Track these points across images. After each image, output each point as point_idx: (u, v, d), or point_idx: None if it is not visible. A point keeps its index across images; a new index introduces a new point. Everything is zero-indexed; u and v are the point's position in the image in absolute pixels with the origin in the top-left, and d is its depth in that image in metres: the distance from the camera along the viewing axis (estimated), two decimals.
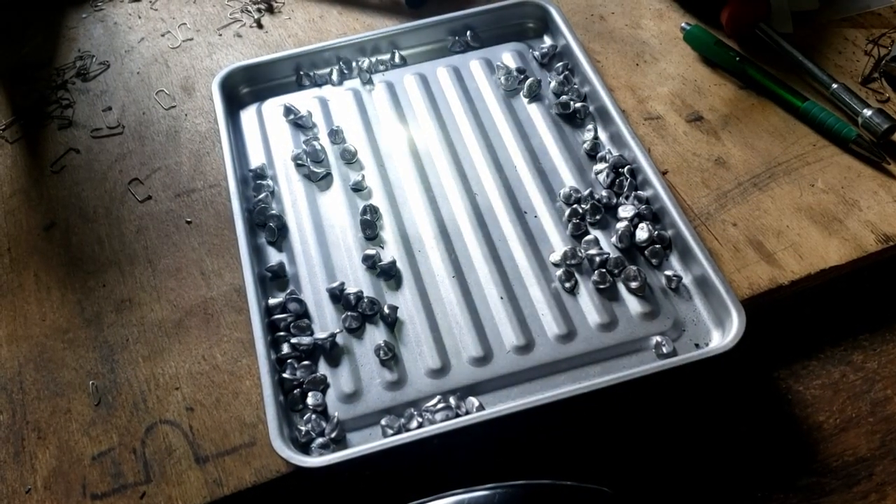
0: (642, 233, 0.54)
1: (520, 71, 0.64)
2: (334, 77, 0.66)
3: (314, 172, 0.59)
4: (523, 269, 0.54)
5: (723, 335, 0.49)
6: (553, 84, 0.63)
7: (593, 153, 0.60)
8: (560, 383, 0.48)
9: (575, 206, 0.56)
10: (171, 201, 0.60)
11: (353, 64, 0.66)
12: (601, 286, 0.52)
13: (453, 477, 0.43)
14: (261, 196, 0.58)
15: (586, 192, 0.56)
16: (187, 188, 0.61)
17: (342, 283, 0.53)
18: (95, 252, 0.57)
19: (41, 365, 0.52)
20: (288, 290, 0.53)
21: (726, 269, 0.52)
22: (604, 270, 0.52)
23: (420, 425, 0.47)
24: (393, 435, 0.46)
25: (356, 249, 0.55)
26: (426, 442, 0.44)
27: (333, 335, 0.51)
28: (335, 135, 0.62)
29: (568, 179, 0.58)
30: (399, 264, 0.54)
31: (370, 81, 0.66)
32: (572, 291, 0.52)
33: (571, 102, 0.62)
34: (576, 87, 0.63)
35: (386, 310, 0.52)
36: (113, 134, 0.65)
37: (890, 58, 0.63)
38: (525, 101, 0.63)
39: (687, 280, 0.52)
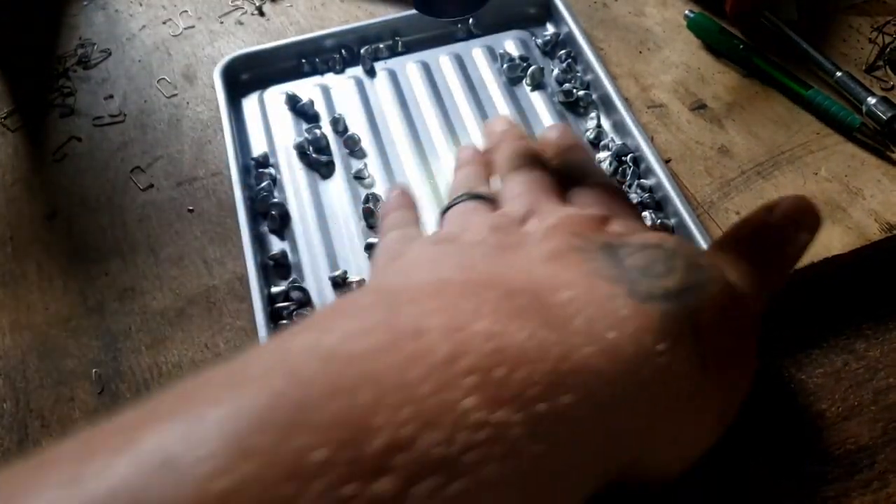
0: (645, 221, 0.54)
1: (522, 59, 0.64)
2: (336, 65, 0.66)
3: (316, 161, 0.59)
4: None
5: None
6: (556, 72, 0.63)
7: (596, 142, 0.59)
8: None
9: None
10: (172, 190, 0.60)
11: (356, 51, 0.66)
12: None
13: None
14: (263, 184, 0.58)
15: None
16: (189, 176, 0.61)
17: (345, 272, 0.53)
18: (97, 241, 0.57)
19: (44, 353, 0.52)
20: (290, 279, 0.53)
21: None
22: None
23: None
24: None
25: (359, 238, 0.55)
26: None
27: None
28: (337, 123, 0.61)
29: None
30: None
31: (372, 69, 0.65)
32: None
33: (574, 91, 0.62)
34: (579, 75, 0.63)
35: None
36: (114, 122, 0.65)
37: (894, 46, 0.63)
38: (528, 89, 0.63)
39: None
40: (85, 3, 0.75)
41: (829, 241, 0.53)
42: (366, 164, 0.59)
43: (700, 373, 0.27)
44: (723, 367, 0.28)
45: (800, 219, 0.36)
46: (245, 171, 0.58)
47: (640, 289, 0.27)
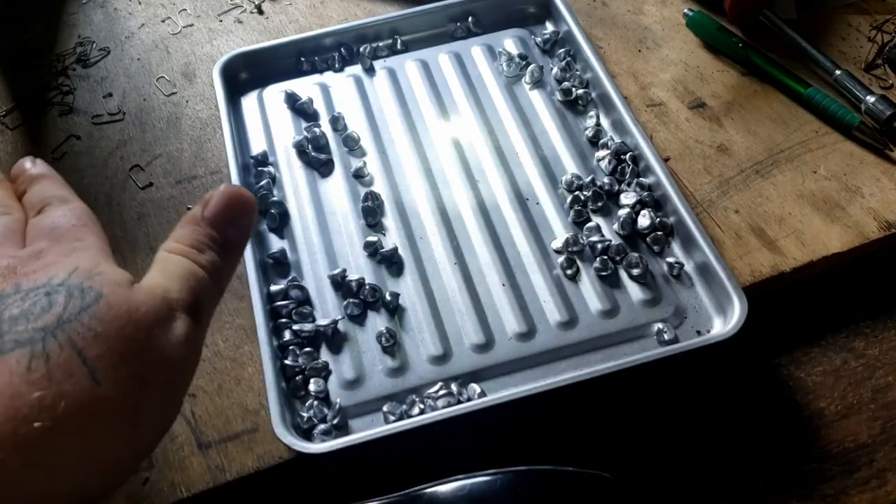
0: (644, 220, 0.54)
1: (521, 57, 0.64)
2: (335, 63, 0.65)
3: (316, 159, 0.59)
4: (525, 255, 0.54)
5: (724, 322, 0.49)
6: (555, 71, 0.63)
7: (595, 140, 0.59)
8: (561, 370, 0.49)
9: (577, 192, 0.56)
10: (172, 188, 0.60)
11: (355, 50, 0.66)
12: (603, 273, 0.52)
13: (455, 463, 0.43)
14: (262, 183, 0.58)
15: (588, 179, 0.56)
16: (188, 175, 0.61)
17: (344, 270, 0.53)
18: None
19: None
20: (289, 277, 0.53)
21: (728, 255, 0.52)
22: (605, 257, 0.52)
23: (422, 412, 0.47)
24: (395, 421, 0.46)
25: (358, 236, 0.55)
26: (428, 428, 0.44)
27: (335, 322, 0.51)
28: (336, 121, 0.61)
29: (570, 166, 0.58)
30: (401, 251, 0.54)
31: (371, 68, 0.65)
32: (574, 278, 0.52)
33: (573, 89, 0.62)
34: (578, 73, 0.63)
35: (388, 297, 0.52)
36: (114, 120, 0.65)
37: (893, 44, 0.63)
38: (527, 87, 0.63)
39: (689, 267, 0.52)
40: (84, 1, 0.75)
41: (828, 240, 0.53)
42: (365, 163, 0.59)
43: (93, 388, 0.28)
44: (121, 372, 0.29)
45: (231, 212, 0.37)
46: (244, 169, 0.58)
47: (6, 339, 0.28)
